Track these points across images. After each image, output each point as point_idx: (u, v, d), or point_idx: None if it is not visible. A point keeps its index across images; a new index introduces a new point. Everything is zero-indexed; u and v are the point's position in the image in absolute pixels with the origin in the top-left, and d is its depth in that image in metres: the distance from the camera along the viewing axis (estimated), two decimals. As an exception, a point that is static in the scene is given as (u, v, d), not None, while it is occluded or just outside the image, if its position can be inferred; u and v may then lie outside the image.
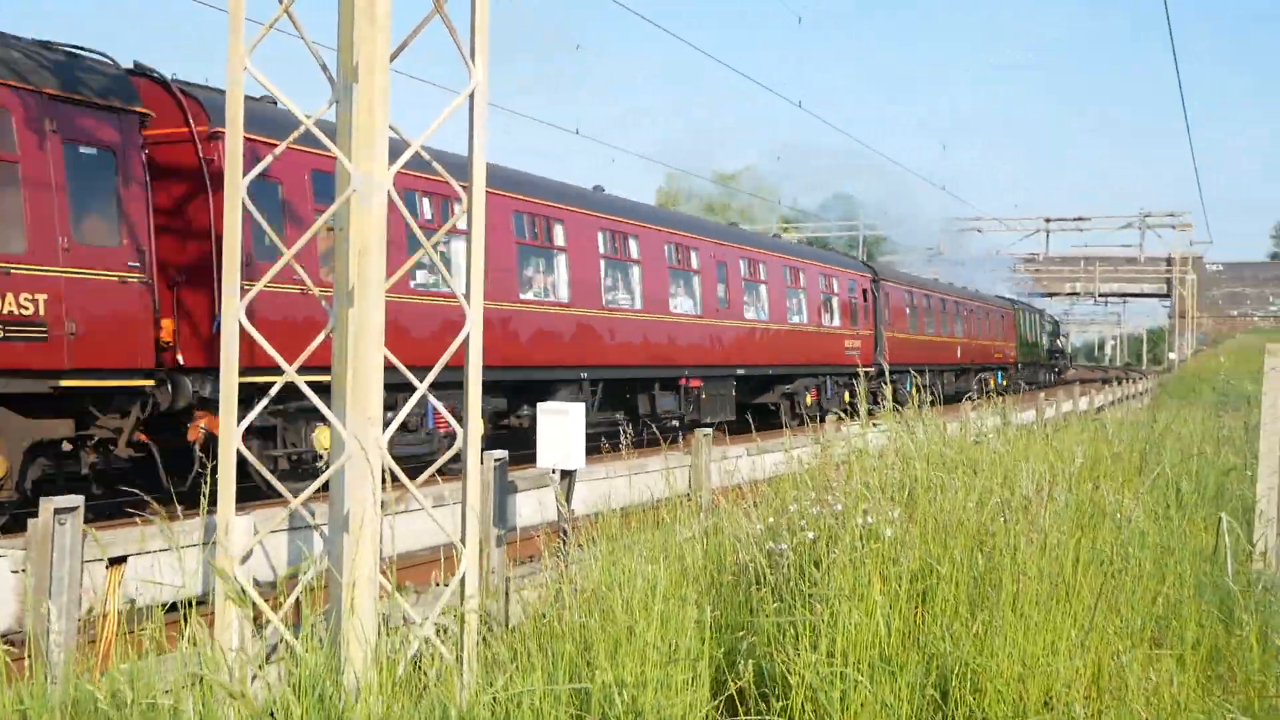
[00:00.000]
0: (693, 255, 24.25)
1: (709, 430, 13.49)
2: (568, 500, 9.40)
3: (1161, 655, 6.44)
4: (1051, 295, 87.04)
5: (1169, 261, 76.73)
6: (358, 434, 5.56)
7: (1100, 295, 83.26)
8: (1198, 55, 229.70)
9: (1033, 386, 53.03)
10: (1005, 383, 51.55)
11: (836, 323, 32.68)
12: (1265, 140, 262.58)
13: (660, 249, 23.01)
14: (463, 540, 6.18)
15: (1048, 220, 77.24)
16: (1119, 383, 48.62)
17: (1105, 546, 7.21)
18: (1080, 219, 76.20)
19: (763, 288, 27.68)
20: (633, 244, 21.99)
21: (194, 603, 5.56)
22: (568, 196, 20.69)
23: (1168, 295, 79.40)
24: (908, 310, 39.56)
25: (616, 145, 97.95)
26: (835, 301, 32.82)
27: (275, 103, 14.20)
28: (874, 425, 10.09)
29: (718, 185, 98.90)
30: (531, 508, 11.00)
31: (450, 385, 14.94)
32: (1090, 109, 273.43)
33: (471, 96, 6.22)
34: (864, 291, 34.98)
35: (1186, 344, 74.95)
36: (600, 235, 21.07)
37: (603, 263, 21.10)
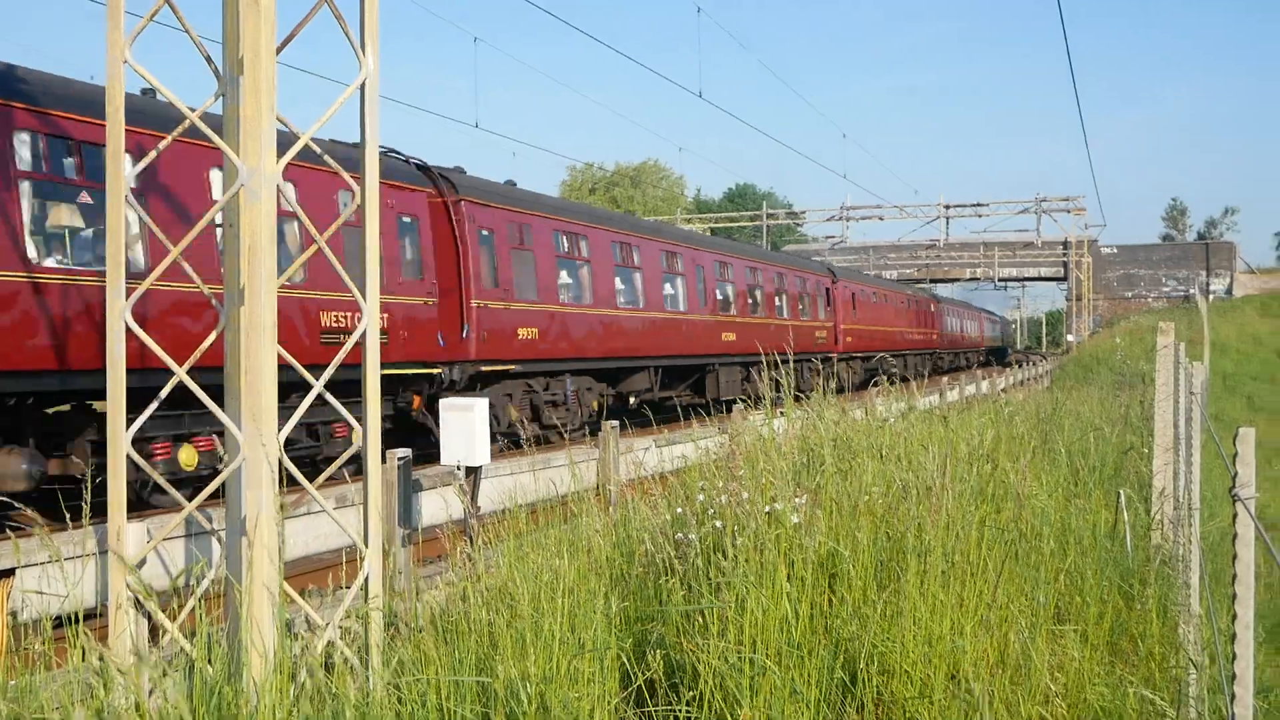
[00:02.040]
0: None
1: (615, 423, 13.47)
2: (473, 497, 9.32)
3: (1065, 631, 6.56)
4: (952, 280, 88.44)
5: (1065, 245, 78.29)
6: (251, 435, 5.44)
7: (1000, 280, 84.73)
8: (1089, 38, 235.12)
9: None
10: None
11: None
12: (1155, 124, 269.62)
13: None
14: (365, 541, 6.09)
15: (947, 207, 78.48)
16: (1019, 365, 49.60)
17: (1008, 525, 7.33)
18: (978, 205, 77.54)
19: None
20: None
21: (78, 617, 5.40)
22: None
23: (1064, 279, 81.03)
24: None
25: (518, 139, 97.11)
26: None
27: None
28: (780, 415, 10.16)
29: (622, 178, 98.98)
30: (437, 506, 10.88)
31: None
32: (985, 95, 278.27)
33: (362, 88, 6.12)
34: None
35: (1084, 326, 76.60)
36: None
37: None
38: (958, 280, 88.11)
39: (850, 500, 7.23)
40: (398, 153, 20.28)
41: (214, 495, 5.90)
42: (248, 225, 5.66)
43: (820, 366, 32.49)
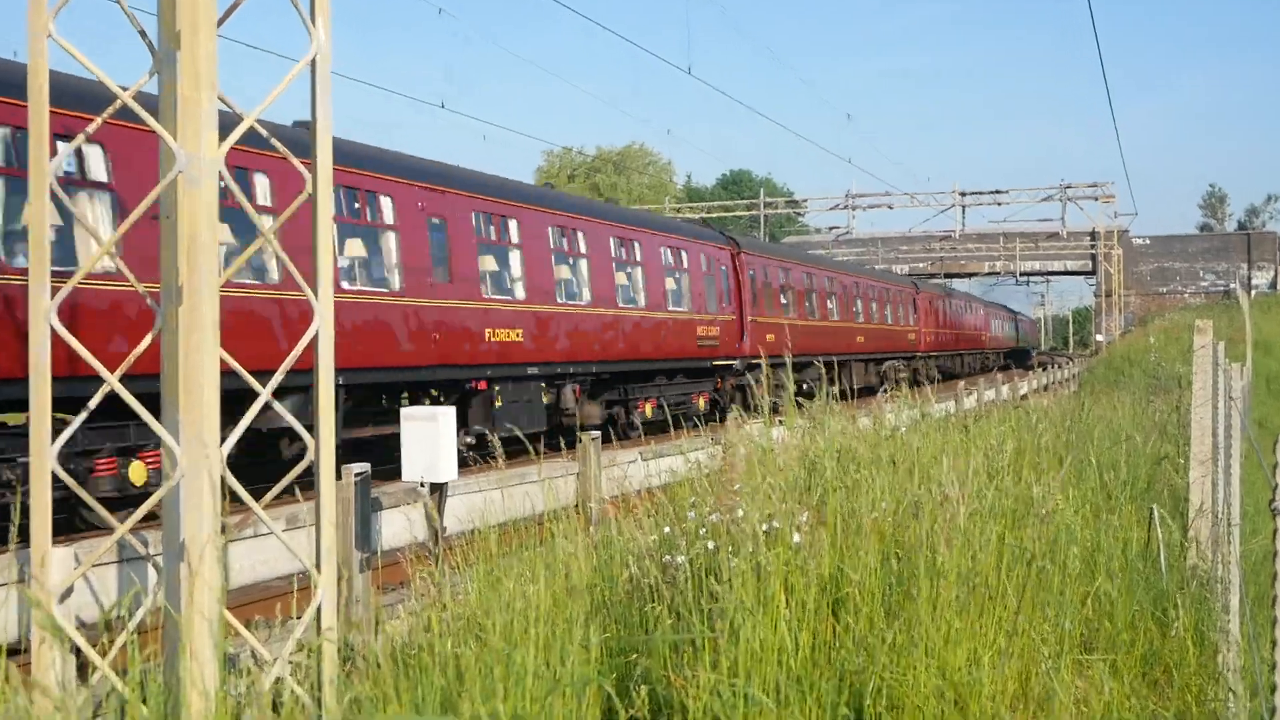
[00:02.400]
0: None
1: (597, 434, 13.46)
2: (439, 517, 9.31)
3: (1093, 661, 6.57)
4: (969, 275, 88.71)
5: (1093, 236, 78.50)
6: (190, 449, 5.42)
7: (1021, 274, 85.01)
8: (1116, 16, 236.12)
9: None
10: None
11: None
12: (1190, 105, 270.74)
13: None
14: (318, 566, 6.07)
15: (962, 194, 78.64)
16: (1044, 368, 49.72)
17: (1030, 545, 7.34)
18: (997, 192, 77.73)
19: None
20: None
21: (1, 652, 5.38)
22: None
23: (1093, 272, 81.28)
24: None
25: (488, 121, 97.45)
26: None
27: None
28: (779, 423, 10.16)
29: (605, 163, 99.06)
30: (400, 526, 10.86)
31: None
32: (1005, 75, 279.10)
33: (313, 64, 6.11)
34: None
35: (1114, 324, 76.80)
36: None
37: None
38: (975, 275, 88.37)
39: (856, 517, 7.24)
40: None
41: (153, 516, 5.88)
42: (187, 216, 5.64)
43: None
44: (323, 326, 6.10)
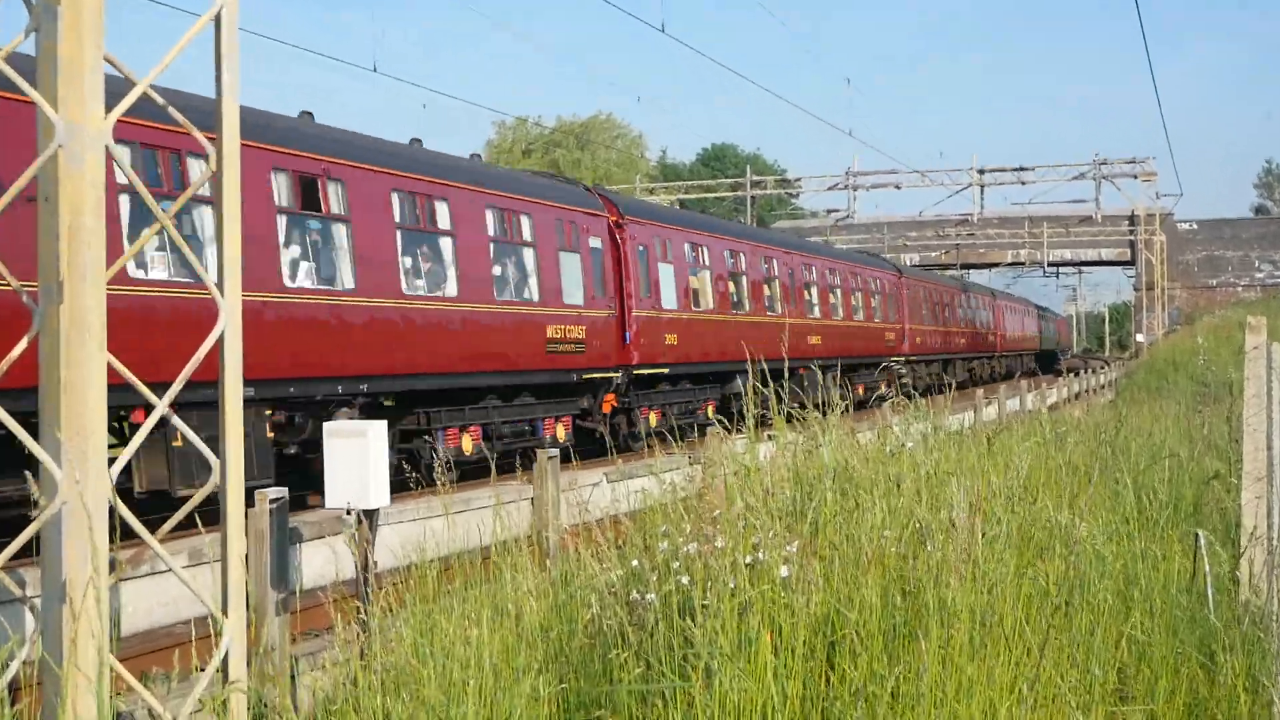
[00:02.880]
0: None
1: (555, 452, 13.47)
2: (368, 550, 9.30)
3: (1128, 712, 6.60)
4: (990, 266, 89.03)
5: (1132, 220, 78.79)
6: (72, 471, 5.39)
7: (1050, 265, 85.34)
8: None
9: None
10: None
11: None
12: (1241, 61, 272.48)
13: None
14: (224, 609, 6.04)
15: (981, 172, 78.88)
16: (1075, 374, 49.96)
17: (1054, 578, 7.37)
18: (1021, 169, 77.94)
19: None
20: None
21: None
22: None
23: (1132, 262, 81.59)
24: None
25: (429, 87, 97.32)
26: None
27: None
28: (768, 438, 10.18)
29: (566, 136, 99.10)
30: (323, 561, 10.86)
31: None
32: (1027, 33, 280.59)
33: (218, 20, 6.09)
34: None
35: (1156, 322, 77.18)
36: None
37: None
38: (997, 265, 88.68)
39: (855, 547, 7.25)
40: None
41: (31, 550, 5.85)
42: (69, 199, 5.60)
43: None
44: (229, 327, 6.08)
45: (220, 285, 6.11)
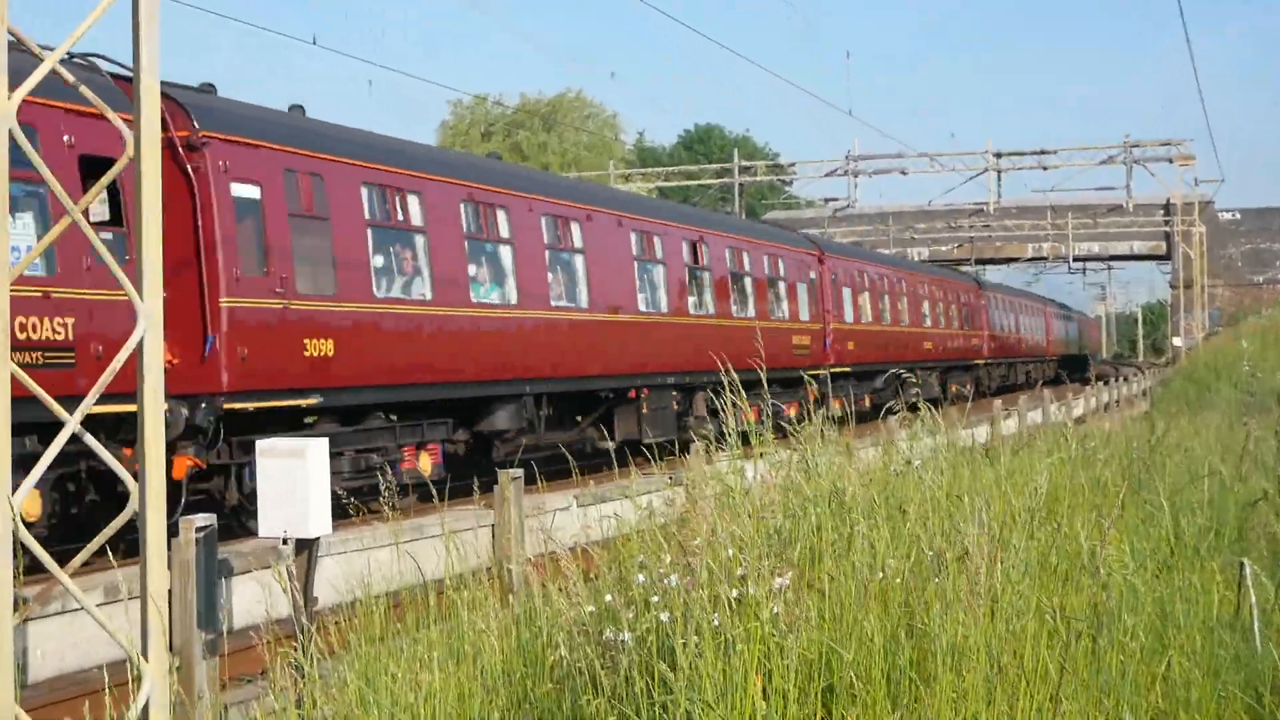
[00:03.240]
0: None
1: (518, 473, 13.46)
2: (307, 585, 9.29)
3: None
4: (1007, 261, 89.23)
5: (1167, 209, 79.01)
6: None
7: (1075, 259, 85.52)
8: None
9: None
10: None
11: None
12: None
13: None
14: (144, 652, 6.03)
15: (998, 155, 78.89)
16: (1104, 382, 50.06)
17: (1080, 612, 7.37)
18: (1043, 152, 77.90)
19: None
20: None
21: None
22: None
23: (1167, 256, 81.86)
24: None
25: (373, 61, 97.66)
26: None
27: None
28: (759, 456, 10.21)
29: (531, 117, 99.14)
30: (255, 598, 10.81)
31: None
32: (1051, 10, 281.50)
33: (134, -14, 6.08)
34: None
35: (1195, 324, 77.32)
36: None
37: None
38: (1015, 260, 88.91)
39: (855, 579, 7.26)
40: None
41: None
42: (-35, 189, 5.59)
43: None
44: (149, 333, 6.07)
45: (139, 287, 6.10)
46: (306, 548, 9.81)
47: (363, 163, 22.06)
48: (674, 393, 31.50)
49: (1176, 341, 79.24)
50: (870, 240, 78.51)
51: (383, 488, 10.65)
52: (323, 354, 19.77)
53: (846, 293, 44.30)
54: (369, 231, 21.91)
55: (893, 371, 42.39)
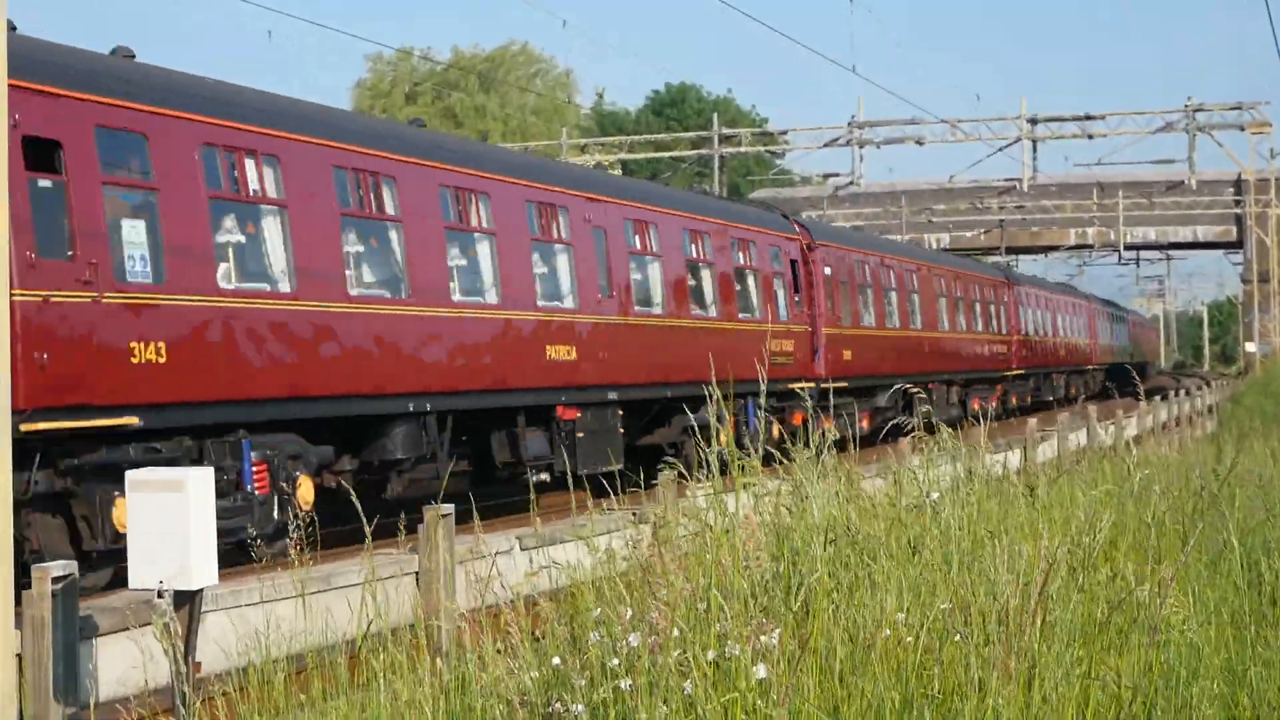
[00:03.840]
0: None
1: (449, 509, 13.42)
2: (188, 647, 9.24)
3: None
4: (1045, 250, 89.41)
5: (1238, 187, 79.16)
6: None
7: (1128, 248, 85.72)
8: None
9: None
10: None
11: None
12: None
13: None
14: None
15: (1033, 122, 78.98)
16: (1162, 397, 50.25)
17: (1132, 677, 7.37)
18: (1087, 118, 77.94)
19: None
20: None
21: None
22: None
23: (1239, 244, 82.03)
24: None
25: (277, 9, 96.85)
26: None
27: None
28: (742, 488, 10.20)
29: (466, 74, 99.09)
30: (128, 662, 10.77)
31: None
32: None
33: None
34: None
35: (1273, 325, 77.49)
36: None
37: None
38: (1055, 249, 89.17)
39: (861, 638, 7.25)
40: None
41: None
42: None
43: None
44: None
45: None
46: (188, 601, 9.75)
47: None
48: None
49: (1250, 347, 79.46)
50: (878, 225, 78.38)
51: (252, 532, 10.59)
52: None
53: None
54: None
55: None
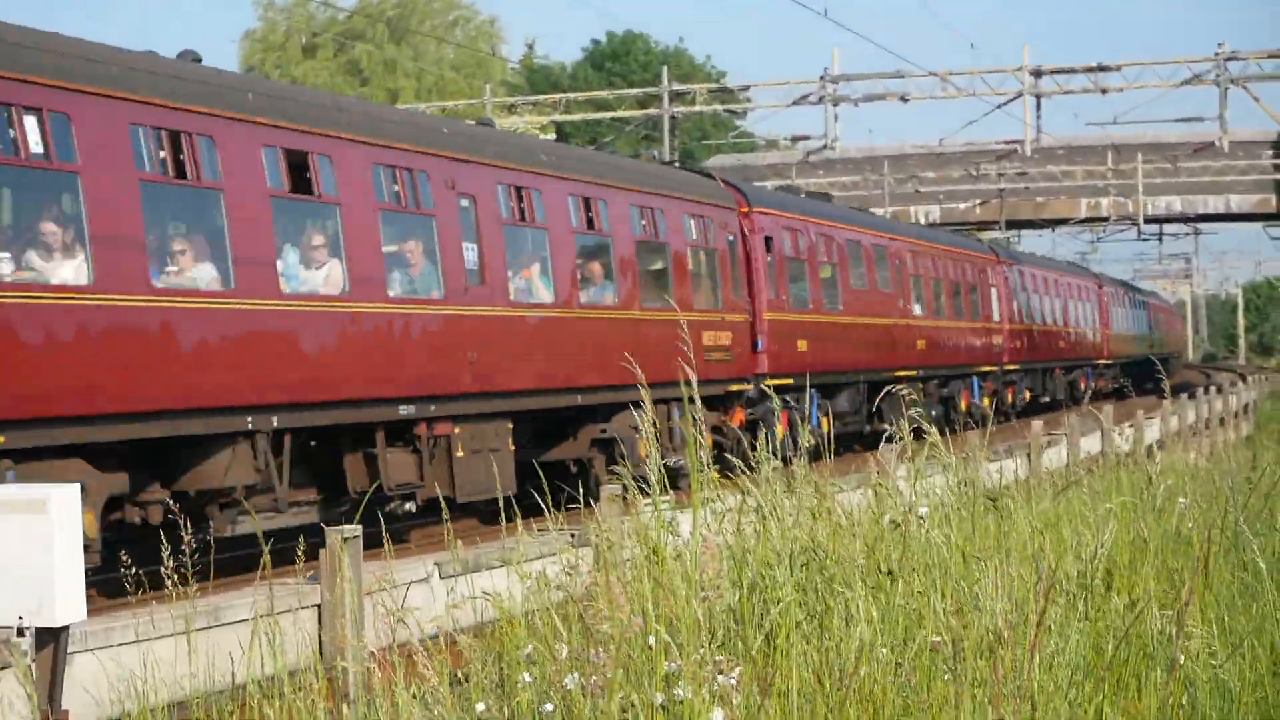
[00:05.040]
0: None
1: (356, 529, 13.46)
2: (52, 693, 9.28)
3: None
4: (1053, 224, 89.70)
5: (1277, 147, 79.55)
6: None
7: (1148, 220, 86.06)
8: None
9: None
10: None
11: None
12: None
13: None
14: None
15: (1037, 74, 79.09)
16: (1189, 397, 50.45)
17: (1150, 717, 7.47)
18: (1100, 68, 78.05)
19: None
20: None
21: None
22: None
23: (1278, 216, 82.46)
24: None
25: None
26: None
27: None
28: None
29: (373, 23, 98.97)
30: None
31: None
32: None
33: None
34: None
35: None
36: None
37: None
38: (1064, 222, 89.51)
39: (831, 675, 7.32)
40: None
41: None
42: None
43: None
44: None
45: None
46: (51, 640, 9.78)
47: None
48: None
49: (1290, 337, 79.89)
50: (857, 196, 78.46)
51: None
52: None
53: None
54: None
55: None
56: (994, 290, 58.99)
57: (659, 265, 34.32)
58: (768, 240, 38.66)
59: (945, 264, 53.92)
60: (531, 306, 29.39)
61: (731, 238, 36.88)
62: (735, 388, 34.49)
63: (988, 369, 57.08)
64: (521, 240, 30.04)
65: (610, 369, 26.07)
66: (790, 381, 37.81)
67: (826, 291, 42.76)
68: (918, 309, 49.65)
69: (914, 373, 47.85)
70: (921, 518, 11.22)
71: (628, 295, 32.31)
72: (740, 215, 38.06)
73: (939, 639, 7.80)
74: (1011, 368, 60.20)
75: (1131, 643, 8.39)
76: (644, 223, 34.15)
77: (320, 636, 13.14)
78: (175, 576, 10.77)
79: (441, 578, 14.47)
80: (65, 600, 9.62)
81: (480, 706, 7.63)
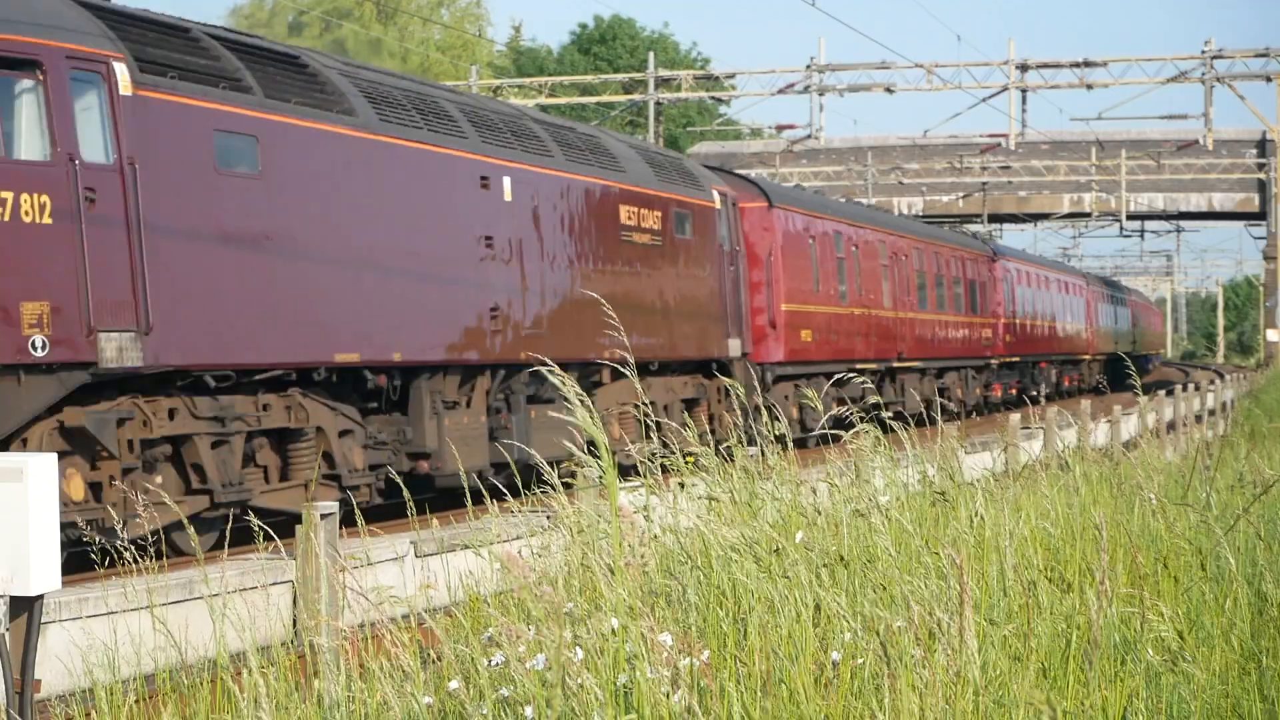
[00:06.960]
0: None
1: (332, 506, 13.51)
2: (25, 662, 9.36)
3: None
4: (1035, 218, 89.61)
5: (1262, 147, 79.31)
6: None
7: (1130, 217, 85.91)
8: None
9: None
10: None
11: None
12: None
13: None
14: None
15: (1023, 69, 79.01)
16: (1167, 394, 50.40)
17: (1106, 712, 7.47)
18: (1086, 64, 78.03)
19: None
20: None
21: None
22: None
23: (1262, 215, 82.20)
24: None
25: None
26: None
27: None
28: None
29: (358, 5, 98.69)
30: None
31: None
32: None
33: None
34: None
35: (1297, 311, 77.65)
36: None
37: None
38: (1047, 217, 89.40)
39: (782, 653, 7.34)
40: None
41: None
42: None
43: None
44: None
45: None
46: (26, 609, 9.86)
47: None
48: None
49: (1271, 336, 79.45)
50: (840, 186, 78.46)
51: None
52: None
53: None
54: None
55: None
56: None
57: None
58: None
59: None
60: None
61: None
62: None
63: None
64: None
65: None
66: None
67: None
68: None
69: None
70: (885, 505, 11.33)
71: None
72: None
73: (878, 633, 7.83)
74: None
75: (1078, 630, 8.40)
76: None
77: (294, 611, 13.21)
78: (134, 550, 10.82)
79: (418, 557, 14.52)
80: (41, 569, 9.68)
81: (452, 684, 7.69)
